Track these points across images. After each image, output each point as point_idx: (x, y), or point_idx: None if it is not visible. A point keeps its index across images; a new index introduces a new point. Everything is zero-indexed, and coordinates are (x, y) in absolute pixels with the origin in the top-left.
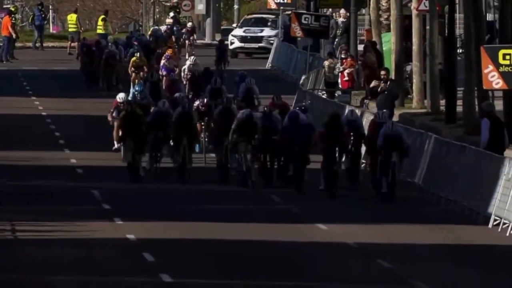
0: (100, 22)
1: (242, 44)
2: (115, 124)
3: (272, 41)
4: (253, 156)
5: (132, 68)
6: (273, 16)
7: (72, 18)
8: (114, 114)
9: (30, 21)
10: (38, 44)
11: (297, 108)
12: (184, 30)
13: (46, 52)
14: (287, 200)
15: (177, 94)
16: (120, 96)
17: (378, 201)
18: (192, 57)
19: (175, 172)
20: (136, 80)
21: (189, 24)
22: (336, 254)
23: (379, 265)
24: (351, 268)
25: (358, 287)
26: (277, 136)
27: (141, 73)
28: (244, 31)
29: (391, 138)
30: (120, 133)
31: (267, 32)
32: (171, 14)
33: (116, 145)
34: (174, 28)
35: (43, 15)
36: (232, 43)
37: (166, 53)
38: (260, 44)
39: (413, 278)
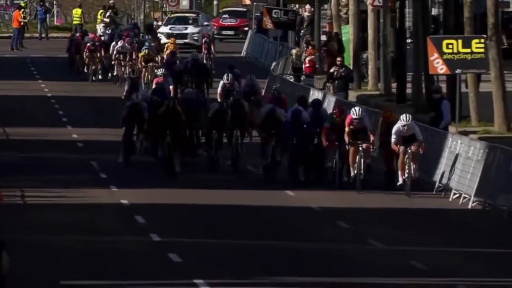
0: (99, 16)
1: (169, 40)
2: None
3: (195, 37)
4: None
5: (142, 63)
6: (194, 15)
7: (77, 12)
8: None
9: (34, 16)
10: (43, 35)
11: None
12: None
13: (51, 41)
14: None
15: (186, 90)
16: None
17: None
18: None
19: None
20: (147, 74)
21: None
22: (303, 217)
23: (339, 226)
24: (316, 229)
25: (324, 245)
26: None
27: (151, 67)
28: (170, 29)
29: (406, 134)
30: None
31: (190, 29)
32: (108, 14)
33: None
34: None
35: (43, 10)
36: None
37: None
38: (185, 40)
39: (367, 237)
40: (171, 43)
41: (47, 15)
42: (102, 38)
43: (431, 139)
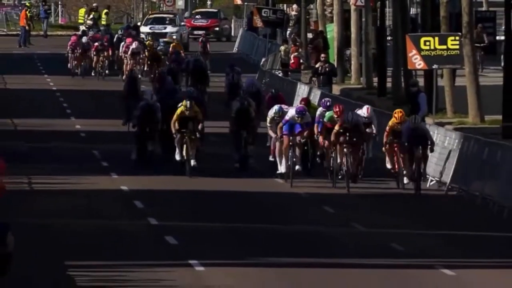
0: (103, 15)
1: (174, 40)
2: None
3: (174, 36)
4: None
5: (148, 62)
6: (172, 16)
7: (81, 12)
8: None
9: (37, 15)
10: (41, 33)
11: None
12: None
13: (56, 39)
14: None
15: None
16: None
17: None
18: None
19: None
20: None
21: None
22: (292, 202)
23: (325, 211)
24: (303, 213)
25: (312, 228)
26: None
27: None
28: (149, 28)
29: (416, 134)
30: (177, 126)
31: (169, 28)
32: (91, 16)
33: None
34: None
35: (44, 10)
36: None
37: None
38: (164, 39)
39: (350, 221)
40: (176, 43)
41: (49, 14)
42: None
43: None
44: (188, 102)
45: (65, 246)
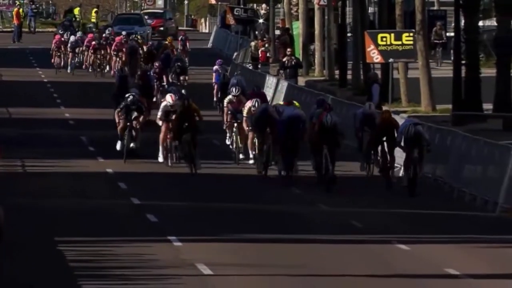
0: (93, 14)
1: (168, 39)
2: (163, 126)
3: (142, 35)
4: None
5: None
6: (138, 16)
7: (76, 11)
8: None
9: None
10: (32, 29)
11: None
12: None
13: (47, 35)
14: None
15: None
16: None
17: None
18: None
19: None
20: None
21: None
22: (264, 184)
23: (292, 192)
24: (274, 194)
25: (281, 207)
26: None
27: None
28: (118, 28)
29: (412, 136)
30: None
31: (137, 28)
32: (68, 17)
33: (161, 157)
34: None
35: (31, 9)
36: None
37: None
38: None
39: (315, 201)
40: (169, 42)
41: (36, 13)
42: (63, 39)
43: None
44: (172, 96)
45: (55, 223)
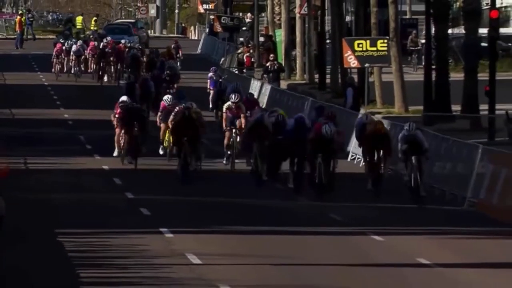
0: (93, 22)
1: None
2: (162, 126)
3: (131, 43)
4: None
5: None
6: (126, 26)
7: (79, 19)
8: (161, 117)
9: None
10: (30, 36)
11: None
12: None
13: (48, 41)
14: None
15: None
16: (167, 99)
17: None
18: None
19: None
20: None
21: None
22: (248, 181)
23: (276, 187)
24: (257, 190)
25: (264, 201)
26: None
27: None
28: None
29: (411, 143)
30: (171, 137)
31: (126, 37)
32: (67, 26)
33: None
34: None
35: (28, 18)
36: None
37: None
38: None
39: (298, 197)
40: (166, 51)
41: (32, 22)
42: (64, 47)
43: (345, 118)
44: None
45: (55, 216)
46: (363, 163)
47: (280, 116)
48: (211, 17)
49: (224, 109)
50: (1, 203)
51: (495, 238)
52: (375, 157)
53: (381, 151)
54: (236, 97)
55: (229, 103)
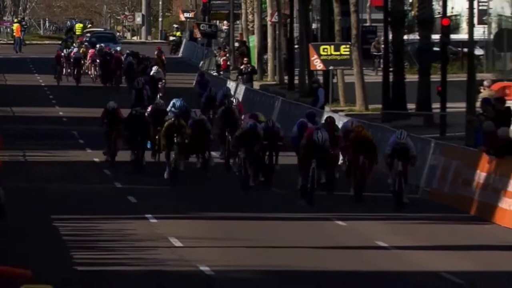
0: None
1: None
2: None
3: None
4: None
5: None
6: (111, 34)
7: (79, 27)
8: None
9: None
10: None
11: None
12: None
13: (46, 46)
14: None
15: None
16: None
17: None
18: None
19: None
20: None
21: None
22: (226, 175)
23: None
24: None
25: (237, 191)
26: (281, 142)
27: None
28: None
29: (399, 148)
30: (164, 141)
31: (111, 45)
32: (68, 35)
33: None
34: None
35: (21, 25)
36: None
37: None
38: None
39: (274, 187)
40: (159, 57)
41: (25, 29)
42: (63, 54)
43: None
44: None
45: (51, 203)
46: (345, 168)
47: (270, 121)
48: (192, 24)
49: (219, 114)
50: (0, 192)
51: (445, 223)
52: (359, 162)
53: (363, 157)
54: (236, 101)
55: (223, 108)
